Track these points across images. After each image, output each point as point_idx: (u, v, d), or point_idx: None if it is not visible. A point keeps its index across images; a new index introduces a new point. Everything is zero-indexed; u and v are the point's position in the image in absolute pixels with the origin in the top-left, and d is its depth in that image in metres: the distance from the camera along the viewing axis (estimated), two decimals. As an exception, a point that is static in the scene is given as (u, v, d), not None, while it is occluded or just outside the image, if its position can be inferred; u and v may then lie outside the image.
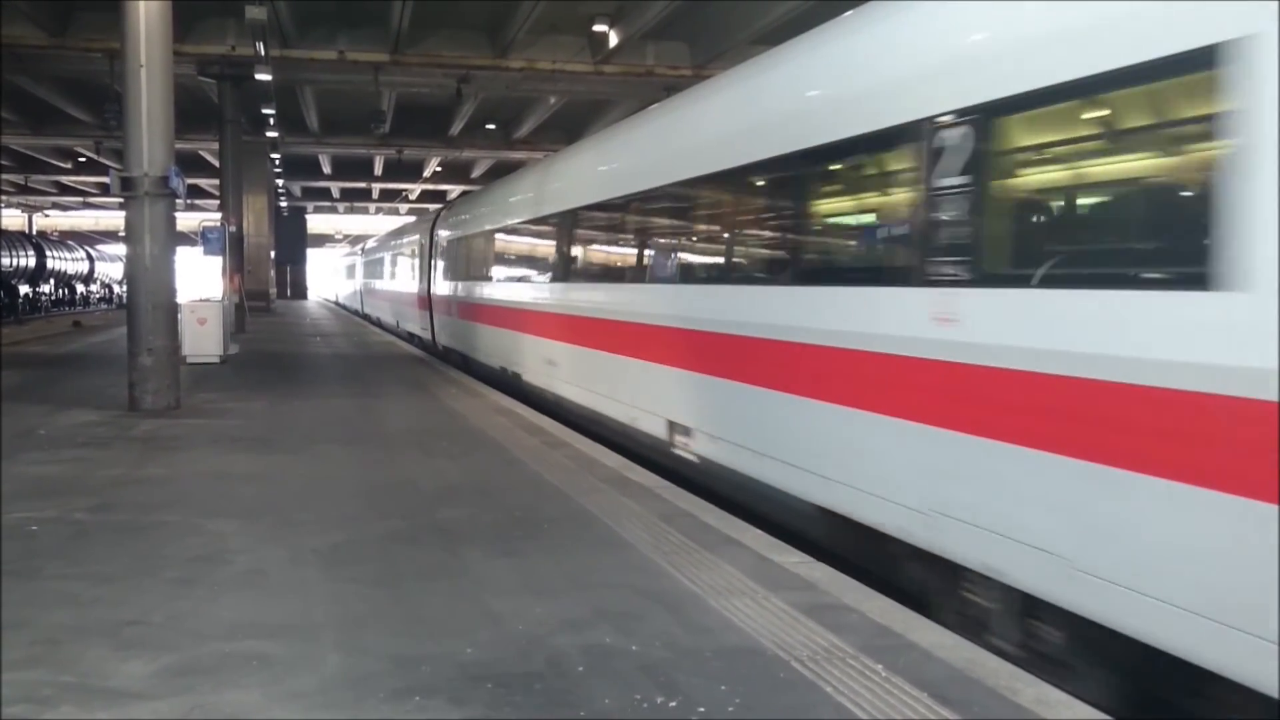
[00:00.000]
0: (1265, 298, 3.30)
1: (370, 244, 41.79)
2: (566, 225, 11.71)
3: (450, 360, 19.03)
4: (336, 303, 56.60)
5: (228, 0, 20.84)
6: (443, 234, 20.60)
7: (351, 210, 71.84)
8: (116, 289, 51.92)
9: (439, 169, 47.24)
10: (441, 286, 20.23)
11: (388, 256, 31.39)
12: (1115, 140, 4.33)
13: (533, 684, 3.82)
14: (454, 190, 51.54)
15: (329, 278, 68.03)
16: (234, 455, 8.69)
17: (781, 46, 7.47)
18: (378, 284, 34.41)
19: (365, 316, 38.47)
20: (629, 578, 5.22)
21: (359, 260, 43.62)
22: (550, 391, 11.95)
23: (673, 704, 3.66)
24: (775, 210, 7.23)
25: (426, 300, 21.87)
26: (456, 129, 35.77)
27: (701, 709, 3.62)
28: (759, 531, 6.25)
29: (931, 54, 5.17)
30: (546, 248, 12.80)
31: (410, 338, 25.25)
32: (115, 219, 60.71)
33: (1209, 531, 3.51)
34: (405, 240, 27.60)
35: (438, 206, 24.83)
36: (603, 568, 5.41)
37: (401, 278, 27.34)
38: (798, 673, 3.95)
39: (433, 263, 21.33)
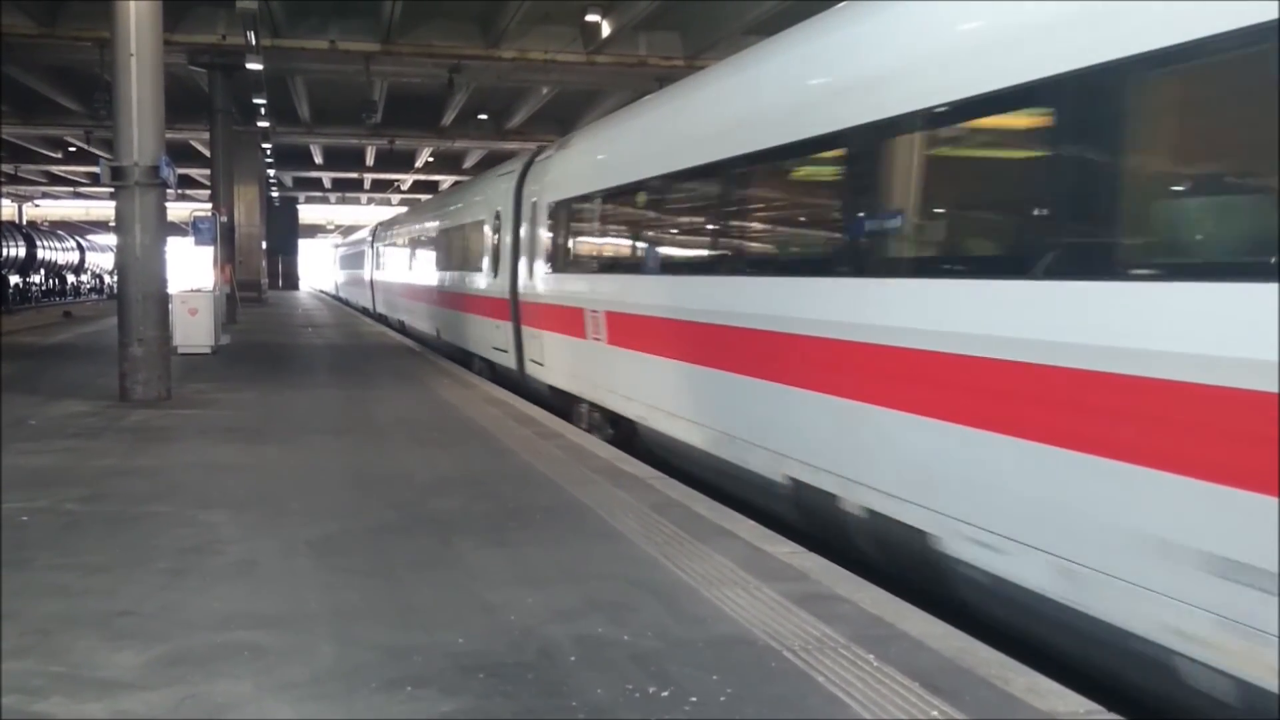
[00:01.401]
0: None
1: (391, 221, 31.97)
2: None
3: (555, 409, 11.30)
4: (336, 297, 49.65)
5: (218, -11, 20.78)
6: (549, 194, 11.99)
7: (343, 201, 71.72)
8: (107, 279, 51.72)
9: (431, 159, 47.14)
10: (549, 283, 11.80)
11: (422, 238, 22.67)
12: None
13: (525, 674, 3.83)
14: (446, 180, 51.45)
15: (328, 266, 62.62)
16: (225, 446, 8.67)
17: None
18: (403, 277, 25.19)
19: (380, 318, 30.08)
20: (621, 568, 5.22)
21: (369, 247, 34.24)
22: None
23: (664, 694, 3.66)
24: None
25: (509, 305, 13.46)
26: (448, 119, 35.67)
27: (693, 699, 3.62)
28: (751, 522, 6.25)
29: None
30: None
31: (463, 356, 16.83)
32: (106, 209, 60.43)
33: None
34: (459, 212, 18.26)
35: (518, 160, 14.79)
36: (595, 558, 5.41)
37: (454, 269, 18.22)
38: (789, 663, 3.96)
39: (526, 245, 12.87)
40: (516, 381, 13.40)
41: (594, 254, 10.83)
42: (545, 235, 12.00)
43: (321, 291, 61.38)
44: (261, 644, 4.10)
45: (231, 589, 4.85)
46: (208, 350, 17.01)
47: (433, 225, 21.30)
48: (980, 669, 3.89)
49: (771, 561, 5.36)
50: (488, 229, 15.13)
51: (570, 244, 11.32)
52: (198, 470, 7.65)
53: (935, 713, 3.51)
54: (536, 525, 6.10)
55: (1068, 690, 3.73)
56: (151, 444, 8.73)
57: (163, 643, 4.11)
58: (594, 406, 10.39)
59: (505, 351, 13.86)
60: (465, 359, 16.65)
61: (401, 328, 25.36)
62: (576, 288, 10.81)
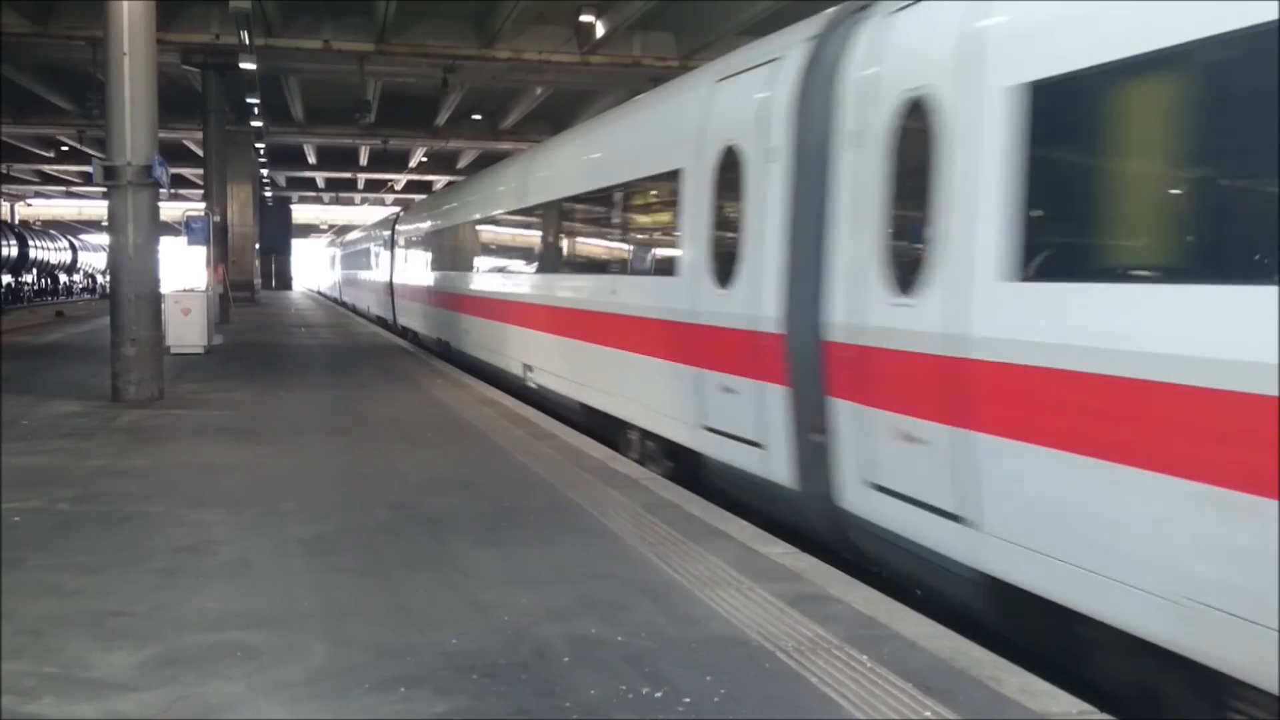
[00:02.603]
0: None
1: (428, 203, 24.48)
2: None
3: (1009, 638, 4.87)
4: (339, 302, 44.42)
5: (212, -12, 20.75)
6: (1043, 58, 4.21)
7: (336, 201, 71.63)
8: (100, 279, 51.62)
9: (424, 160, 47.10)
10: (1070, 310, 4.05)
11: (497, 222, 14.77)
12: None
13: (518, 674, 3.83)
14: (440, 180, 51.34)
15: (327, 266, 58.12)
16: (218, 446, 8.65)
17: None
18: (456, 283, 17.26)
19: (407, 333, 23.43)
20: (615, 568, 5.22)
21: (387, 245, 27.50)
22: None
23: (658, 695, 3.66)
24: None
25: (778, 351, 6.22)
26: (442, 119, 35.64)
27: (687, 699, 3.62)
28: (744, 522, 6.27)
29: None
30: None
31: (592, 423, 9.91)
32: (99, 208, 60.25)
33: None
34: (593, 170, 10.39)
35: (763, 43, 7.24)
36: (588, 558, 5.41)
37: (577, 271, 11.10)
38: (783, 663, 3.96)
39: (872, 220, 5.34)
40: (788, 511, 6.53)
41: None
42: (999, 187, 4.47)
43: (318, 292, 60.78)
44: (254, 644, 4.10)
45: (224, 589, 4.84)
46: (200, 350, 16.98)
47: (520, 199, 13.24)
48: (973, 670, 3.90)
49: (764, 562, 5.37)
50: (690, 194, 7.73)
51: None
52: (191, 470, 7.64)
53: (928, 713, 3.51)
54: (530, 525, 6.10)
55: (1060, 691, 3.74)
56: (144, 444, 8.71)
57: (155, 643, 4.11)
58: None
59: (757, 446, 6.63)
60: (602, 428, 9.66)
61: (444, 350, 18.27)
62: None
